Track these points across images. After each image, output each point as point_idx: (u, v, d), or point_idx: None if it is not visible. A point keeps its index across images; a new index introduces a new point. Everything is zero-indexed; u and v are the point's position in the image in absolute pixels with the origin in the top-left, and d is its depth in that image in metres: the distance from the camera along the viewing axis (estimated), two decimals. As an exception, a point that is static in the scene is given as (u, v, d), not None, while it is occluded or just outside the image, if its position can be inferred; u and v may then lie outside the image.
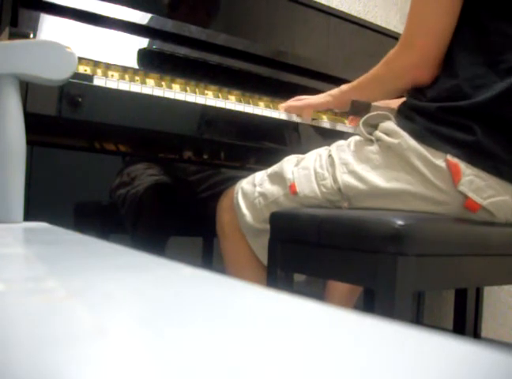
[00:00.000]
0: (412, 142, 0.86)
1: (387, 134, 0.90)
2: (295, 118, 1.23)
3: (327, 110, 1.29)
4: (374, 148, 0.91)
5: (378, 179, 0.88)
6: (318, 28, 1.57)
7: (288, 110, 1.23)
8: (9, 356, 0.14)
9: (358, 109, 1.06)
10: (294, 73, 1.43)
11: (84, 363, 0.13)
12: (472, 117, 0.83)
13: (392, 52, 0.97)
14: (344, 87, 1.14)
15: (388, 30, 1.72)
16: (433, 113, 0.86)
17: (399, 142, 0.87)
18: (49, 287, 0.23)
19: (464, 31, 0.88)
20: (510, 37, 0.85)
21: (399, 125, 0.90)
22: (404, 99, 0.98)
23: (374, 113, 0.96)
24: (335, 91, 1.17)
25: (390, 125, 0.91)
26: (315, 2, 1.56)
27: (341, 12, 1.64)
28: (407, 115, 0.91)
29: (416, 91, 0.93)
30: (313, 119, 1.26)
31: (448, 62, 0.89)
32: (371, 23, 1.72)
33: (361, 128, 0.95)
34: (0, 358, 0.13)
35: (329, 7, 1.61)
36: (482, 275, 0.90)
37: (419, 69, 0.92)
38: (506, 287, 1.82)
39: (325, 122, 1.31)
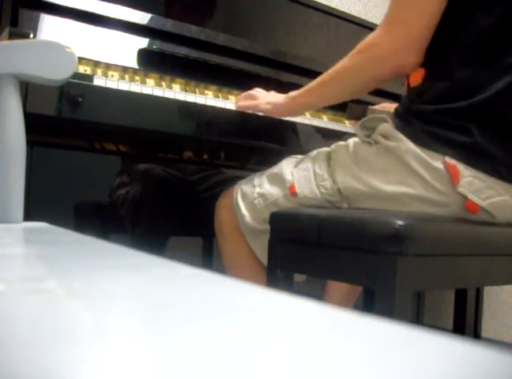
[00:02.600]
0: (411, 145, 0.86)
1: (385, 137, 0.90)
2: (294, 119, 1.23)
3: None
4: (372, 150, 0.91)
5: (378, 181, 0.88)
6: (318, 28, 1.57)
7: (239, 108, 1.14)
8: (9, 356, 0.14)
9: (354, 113, 1.06)
10: (294, 73, 1.43)
11: (84, 363, 0.13)
12: (468, 118, 0.83)
13: (373, 37, 0.90)
14: (292, 92, 1.05)
15: (388, 30, 1.72)
16: (430, 115, 0.86)
17: (397, 145, 0.87)
18: (49, 287, 0.23)
19: (458, 31, 0.87)
20: (503, 35, 0.84)
21: (396, 128, 0.90)
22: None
23: (371, 116, 0.96)
24: (280, 99, 1.07)
25: (388, 128, 0.91)
26: (315, 2, 1.56)
27: (341, 12, 1.64)
28: (404, 118, 0.90)
29: (412, 94, 0.92)
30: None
31: (442, 63, 0.88)
32: (371, 23, 1.72)
33: (358, 131, 0.95)
34: (0, 358, 0.13)
35: (329, 7, 1.61)
36: (482, 275, 0.90)
37: (403, 52, 0.87)
38: (507, 287, 1.82)
39: (325, 122, 1.31)
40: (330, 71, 0.96)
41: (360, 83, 0.95)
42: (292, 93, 1.05)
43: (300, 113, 1.13)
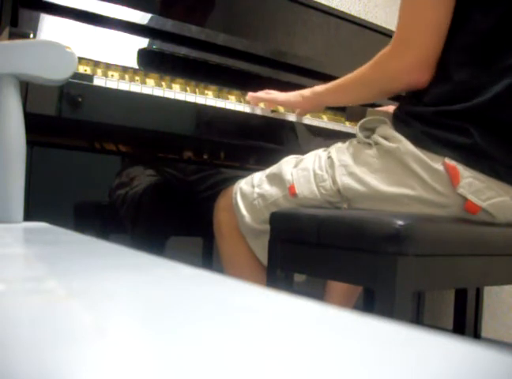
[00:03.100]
0: (410, 146, 0.86)
1: (385, 138, 0.90)
2: (292, 118, 1.23)
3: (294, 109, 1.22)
4: (372, 151, 0.91)
5: (378, 183, 0.88)
6: (318, 28, 1.57)
7: (252, 101, 1.18)
8: (9, 356, 0.14)
9: (353, 114, 1.06)
10: (294, 73, 1.43)
11: (84, 363, 0.13)
12: (468, 120, 0.83)
13: (385, 53, 0.91)
14: (317, 88, 1.09)
15: (388, 30, 1.72)
16: (429, 117, 0.86)
17: (397, 146, 0.87)
18: (49, 287, 0.23)
19: (456, 33, 0.87)
20: (502, 37, 0.84)
21: (396, 129, 0.90)
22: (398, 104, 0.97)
23: (370, 117, 0.96)
24: (306, 92, 1.11)
25: (388, 129, 0.91)
26: (315, 2, 1.56)
27: (341, 12, 1.64)
28: (403, 120, 0.90)
29: (411, 96, 0.92)
30: (272, 111, 1.20)
31: (441, 65, 0.88)
32: (371, 23, 1.72)
33: (358, 132, 0.95)
34: (0, 358, 0.13)
35: (329, 7, 1.61)
36: (482, 275, 0.90)
37: (416, 71, 0.87)
38: (507, 287, 1.82)
39: (325, 122, 1.31)
40: (348, 76, 0.99)
41: (372, 94, 0.99)
42: (317, 89, 1.09)
43: (321, 109, 1.18)
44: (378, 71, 0.93)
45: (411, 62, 0.88)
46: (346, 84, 1.00)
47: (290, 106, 1.19)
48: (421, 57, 0.87)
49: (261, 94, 1.19)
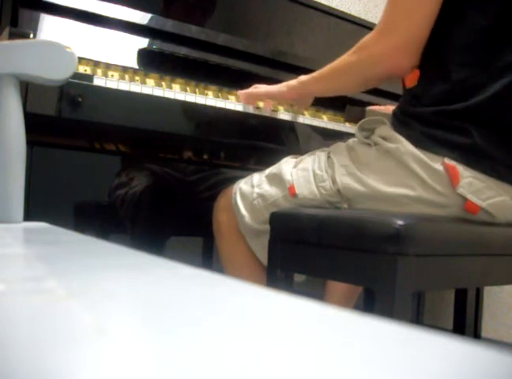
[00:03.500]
0: (410, 146, 0.86)
1: (384, 139, 0.90)
2: (293, 119, 1.23)
3: (285, 102, 1.22)
4: (372, 151, 0.91)
5: (378, 183, 0.88)
6: (318, 28, 1.57)
7: (244, 101, 1.17)
8: (9, 356, 0.14)
9: (352, 115, 1.06)
10: (294, 72, 1.43)
11: (84, 363, 0.13)
12: (467, 119, 0.83)
13: (369, 37, 0.92)
14: (302, 78, 1.09)
15: (388, 30, 1.72)
16: (428, 117, 0.86)
17: (397, 146, 0.87)
18: (49, 287, 0.23)
19: (455, 31, 0.87)
20: (500, 36, 0.84)
21: (395, 130, 0.90)
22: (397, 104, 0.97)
23: (369, 118, 0.96)
24: (292, 82, 1.10)
25: (387, 130, 0.91)
26: (315, 2, 1.56)
27: (341, 12, 1.64)
28: (402, 120, 0.90)
29: (409, 97, 0.92)
30: (272, 111, 1.21)
31: (440, 65, 0.88)
32: (371, 23, 1.71)
33: (357, 132, 0.95)
34: (0, 358, 0.13)
35: (329, 7, 1.61)
36: (482, 275, 0.90)
37: (400, 53, 0.88)
38: (507, 287, 1.82)
39: (325, 122, 1.31)
40: (332, 63, 0.98)
41: (355, 81, 0.98)
42: (302, 78, 1.08)
43: (310, 100, 1.15)
44: (361, 55, 0.93)
45: (394, 45, 0.88)
46: (330, 72, 0.99)
47: (274, 98, 1.16)
48: (405, 41, 0.88)
49: (249, 90, 1.18)
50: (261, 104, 1.22)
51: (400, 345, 0.17)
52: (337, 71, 0.98)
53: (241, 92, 1.19)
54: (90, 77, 0.99)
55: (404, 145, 0.86)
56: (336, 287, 1.28)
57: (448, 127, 0.84)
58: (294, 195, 0.95)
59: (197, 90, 1.16)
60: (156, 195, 1.44)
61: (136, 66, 1.17)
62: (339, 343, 0.16)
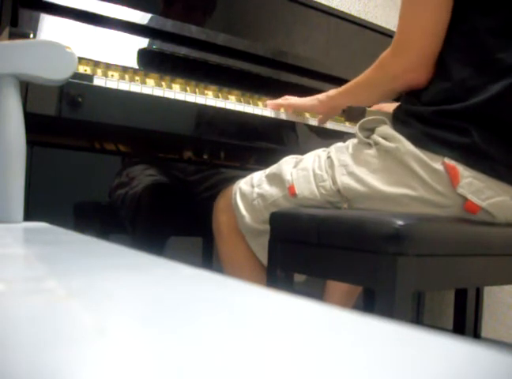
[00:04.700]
0: (410, 146, 0.86)
1: (385, 138, 0.90)
2: (293, 119, 1.23)
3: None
4: (372, 151, 0.91)
5: (378, 182, 0.88)
6: (318, 28, 1.57)
7: (271, 108, 1.23)
8: (9, 356, 0.14)
9: (353, 114, 1.06)
10: (294, 73, 1.43)
11: (84, 363, 0.13)
12: (467, 119, 0.83)
13: (386, 55, 0.96)
14: (331, 92, 1.14)
15: (388, 30, 1.72)
16: (428, 117, 0.86)
17: (397, 146, 0.87)
18: (49, 287, 0.23)
19: (455, 32, 0.87)
20: (501, 37, 0.84)
21: (395, 129, 0.90)
22: (398, 103, 0.98)
23: (370, 118, 0.96)
24: (322, 96, 1.17)
25: (387, 129, 0.91)
26: (315, 2, 1.56)
27: (341, 12, 1.64)
28: (402, 120, 0.90)
29: (410, 96, 0.92)
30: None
31: (440, 65, 0.89)
32: (371, 23, 1.72)
33: (358, 132, 0.95)
34: (0, 358, 0.13)
35: (329, 7, 1.61)
36: (482, 275, 0.90)
37: (416, 71, 0.91)
38: (506, 287, 1.82)
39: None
40: (356, 79, 1.05)
41: (377, 95, 1.04)
42: (330, 93, 1.15)
43: (337, 113, 1.20)
44: (380, 72, 0.98)
45: (410, 62, 0.91)
46: (354, 87, 1.05)
47: (307, 110, 1.24)
48: (420, 57, 0.90)
49: (280, 100, 1.25)
50: (260, 104, 1.22)
51: (400, 345, 0.17)
52: (361, 86, 1.04)
53: (270, 102, 1.24)
54: (90, 77, 0.99)
55: (405, 145, 0.86)
56: (336, 286, 1.28)
57: (448, 127, 0.84)
58: (294, 195, 0.95)
59: (197, 90, 1.16)
60: (156, 195, 1.44)
61: (136, 66, 1.17)
62: (339, 343, 0.16)
